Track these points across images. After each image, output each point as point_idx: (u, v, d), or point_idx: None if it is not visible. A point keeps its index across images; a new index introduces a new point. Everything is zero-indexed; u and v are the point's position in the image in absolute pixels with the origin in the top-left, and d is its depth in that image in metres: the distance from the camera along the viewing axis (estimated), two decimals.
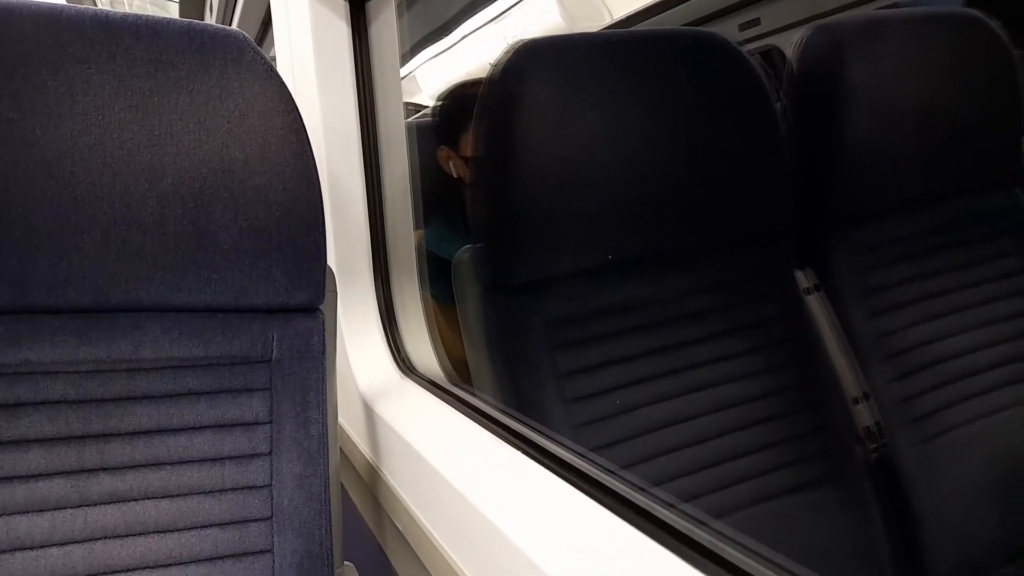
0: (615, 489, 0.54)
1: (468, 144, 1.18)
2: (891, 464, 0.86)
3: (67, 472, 0.62)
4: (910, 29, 0.92)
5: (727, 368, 0.81)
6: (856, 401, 0.86)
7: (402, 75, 0.96)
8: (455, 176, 1.22)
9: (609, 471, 0.57)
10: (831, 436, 0.83)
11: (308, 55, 0.90)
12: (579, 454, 0.61)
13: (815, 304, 0.88)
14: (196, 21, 0.64)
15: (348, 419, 0.97)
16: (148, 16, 0.62)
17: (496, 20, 3.51)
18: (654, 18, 3.01)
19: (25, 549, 0.60)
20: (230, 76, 0.62)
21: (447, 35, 3.78)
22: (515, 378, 0.77)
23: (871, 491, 0.84)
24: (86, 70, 0.59)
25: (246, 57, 0.63)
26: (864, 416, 0.86)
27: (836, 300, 0.88)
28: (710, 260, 0.83)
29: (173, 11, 3.62)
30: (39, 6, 0.59)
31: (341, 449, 0.96)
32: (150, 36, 0.61)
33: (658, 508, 0.50)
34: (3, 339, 0.61)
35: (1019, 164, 0.98)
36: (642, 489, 0.53)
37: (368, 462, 0.87)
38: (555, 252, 0.76)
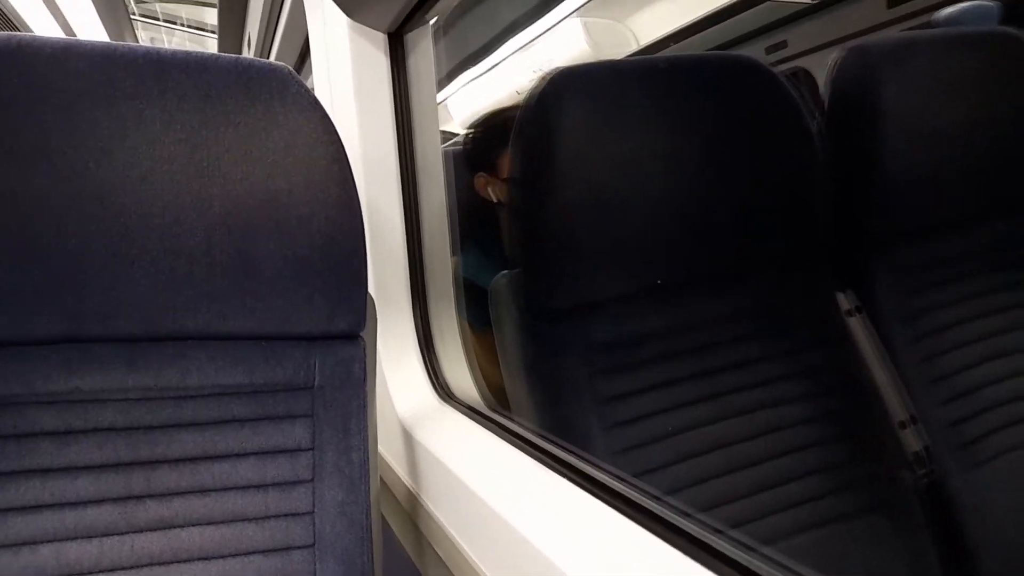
0: (660, 515, 0.54)
1: (504, 168, 1.19)
2: (942, 490, 0.83)
3: (115, 499, 0.63)
4: (945, 49, 0.91)
5: (769, 393, 0.79)
6: (903, 425, 0.84)
7: None
8: (495, 201, 1.23)
9: (655, 497, 0.57)
10: (878, 462, 0.81)
11: (347, 86, 0.91)
12: (623, 479, 0.61)
13: (857, 326, 0.87)
14: (242, 57, 0.66)
15: (387, 446, 0.97)
16: (197, 52, 0.64)
17: (522, 50, 3.55)
18: (680, 43, 3.03)
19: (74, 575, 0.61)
20: (275, 109, 0.64)
21: (475, 65, 3.84)
22: (554, 404, 0.77)
23: (922, 518, 0.82)
24: (138, 105, 0.61)
25: (291, 90, 0.64)
26: (912, 441, 0.84)
27: (880, 322, 0.87)
28: (749, 284, 0.82)
29: (211, 46, 3.73)
30: (94, 45, 0.62)
31: (381, 477, 0.96)
32: (199, 72, 0.63)
33: (710, 536, 0.49)
34: (55, 367, 0.62)
35: None
36: (691, 516, 0.53)
37: (408, 489, 0.87)
38: (593, 278, 0.76)
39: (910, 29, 2.10)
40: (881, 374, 0.86)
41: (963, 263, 0.91)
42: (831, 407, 0.81)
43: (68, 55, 0.60)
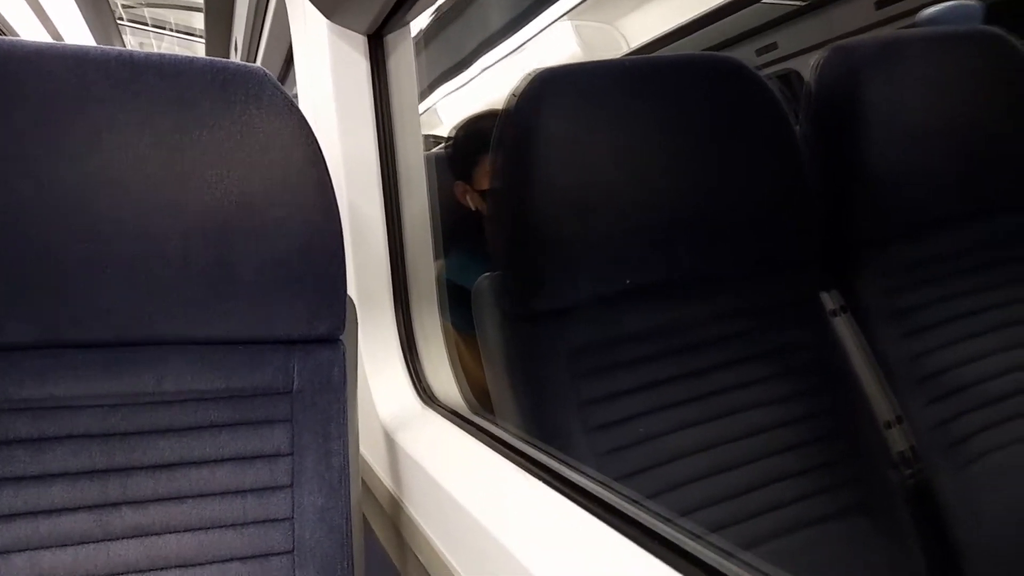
0: (642, 522, 0.53)
1: (482, 178, 1.18)
2: (928, 490, 0.83)
3: (90, 506, 0.62)
4: (929, 49, 0.91)
5: (753, 394, 0.79)
6: (889, 425, 0.84)
7: (423, 109, 0.96)
8: (473, 209, 1.23)
9: (636, 502, 0.56)
10: (864, 462, 0.81)
11: (328, 88, 0.91)
12: (604, 484, 0.60)
13: (842, 326, 0.87)
14: (218, 59, 0.65)
15: (369, 450, 0.96)
16: (171, 55, 0.64)
17: (515, 52, 3.56)
18: (671, 45, 3.03)
19: None
20: (251, 112, 0.63)
21: (466, 69, 3.84)
22: (537, 406, 0.76)
23: (908, 519, 0.81)
24: (111, 109, 0.60)
25: (267, 92, 0.64)
26: (898, 441, 0.84)
27: (865, 322, 0.87)
28: (733, 285, 0.81)
29: (200, 51, 3.72)
30: (66, 48, 0.61)
31: (363, 480, 0.95)
32: (173, 75, 0.62)
33: (688, 542, 0.49)
34: (29, 374, 0.61)
35: None
36: (670, 521, 0.52)
37: (390, 493, 0.86)
38: (576, 279, 0.75)
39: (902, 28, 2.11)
40: (867, 374, 0.86)
41: (947, 262, 0.90)
42: (816, 408, 0.80)
43: (41, 58, 0.59)
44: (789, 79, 2.67)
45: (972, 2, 1.33)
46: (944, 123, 0.89)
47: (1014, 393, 0.89)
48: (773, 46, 2.73)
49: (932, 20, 1.35)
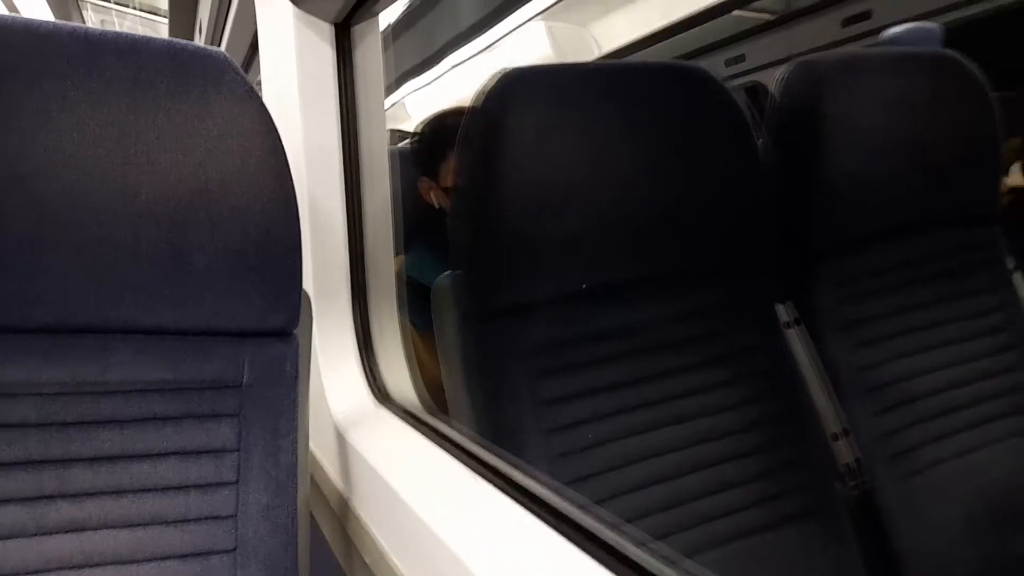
0: (590, 529, 0.53)
1: (448, 175, 1.17)
2: (872, 501, 0.85)
3: (24, 499, 0.60)
4: (890, 67, 0.93)
5: (706, 400, 0.80)
6: (836, 437, 0.86)
7: (391, 103, 0.95)
8: (437, 207, 1.22)
9: (585, 508, 0.56)
10: (810, 472, 0.82)
11: (292, 77, 0.89)
12: (553, 490, 0.60)
13: (795, 338, 0.88)
14: (178, 40, 0.63)
15: (320, 447, 0.94)
16: (129, 34, 0.62)
17: (487, 51, 3.55)
18: (642, 51, 3.06)
19: None
20: (210, 96, 0.62)
21: (435, 65, 3.81)
22: (493, 407, 0.76)
23: (851, 528, 0.83)
24: (63, 86, 0.58)
25: (226, 78, 0.62)
26: (844, 453, 0.86)
27: (816, 334, 0.88)
28: (690, 290, 0.82)
29: (164, 31, 3.63)
30: (17, 20, 0.59)
31: (312, 478, 0.93)
32: (130, 54, 0.60)
33: (631, 548, 0.49)
34: None
35: (997, 200, 1.00)
36: (616, 528, 0.52)
37: (339, 493, 0.85)
38: (534, 278, 0.75)
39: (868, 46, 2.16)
40: (817, 386, 0.87)
41: (897, 274, 0.93)
42: (766, 417, 0.81)
43: None
44: (756, 91, 2.71)
45: (932, 25, 1.37)
46: (900, 139, 0.92)
47: (958, 407, 0.91)
48: (741, 58, 2.77)
49: (894, 40, 1.38)
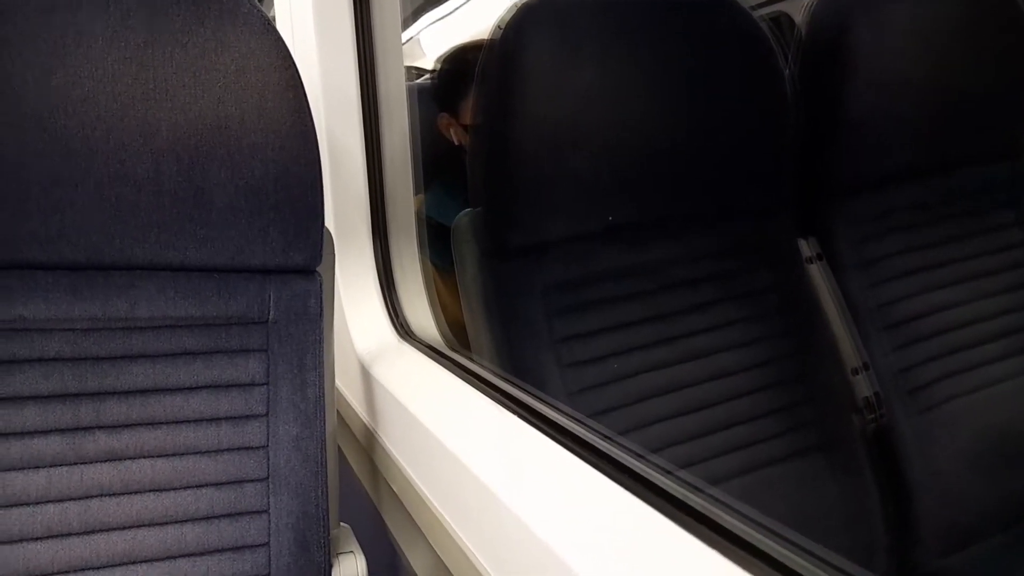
0: (611, 455, 0.54)
1: (468, 111, 1.16)
2: (888, 434, 0.86)
3: (63, 429, 0.62)
4: None
5: (724, 336, 0.80)
6: (856, 372, 0.86)
7: (405, 39, 0.93)
8: (456, 143, 1.20)
9: (605, 437, 0.57)
10: (828, 405, 0.83)
11: (307, 12, 0.87)
12: (575, 419, 0.61)
13: (817, 274, 0.88)
14: None
15: (345, 382, 0.96)
16: None
17: None
18: None
19: (21, 505, 0.60)
20: (226, 29, 0.61)
21: None
22: (512, 343, 0.77)
23: (867, 460, 0.84)
24: (78, 19, 0.57)
25: (242, 9, 0.61)
26: (863, 387, 0.86)
27: (837, 270, 0.88)
28: (711, 227, 0.82)
29: None
30: None
31: (338, 412, 0.96)
32: None
33: (655, 475, 0.50)
34: None
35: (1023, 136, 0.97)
36: (639, 456, 0.53)
37: (365, 425, 0.87)
38: (552, 216, 0.75)
39: None
40: (838, 321, 0.87)
41: (919, 213, 0.91)
42: (785, 351, 0.82)
43: None
44: (780, 22, 2.62)
45: None
46: (928, 72, 0.89)
47: (976, 343, 0.91)
48: None
49: None
